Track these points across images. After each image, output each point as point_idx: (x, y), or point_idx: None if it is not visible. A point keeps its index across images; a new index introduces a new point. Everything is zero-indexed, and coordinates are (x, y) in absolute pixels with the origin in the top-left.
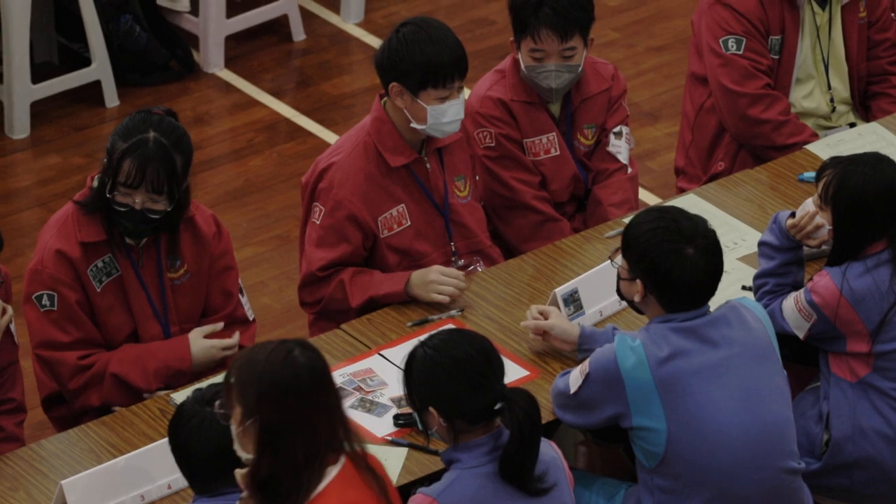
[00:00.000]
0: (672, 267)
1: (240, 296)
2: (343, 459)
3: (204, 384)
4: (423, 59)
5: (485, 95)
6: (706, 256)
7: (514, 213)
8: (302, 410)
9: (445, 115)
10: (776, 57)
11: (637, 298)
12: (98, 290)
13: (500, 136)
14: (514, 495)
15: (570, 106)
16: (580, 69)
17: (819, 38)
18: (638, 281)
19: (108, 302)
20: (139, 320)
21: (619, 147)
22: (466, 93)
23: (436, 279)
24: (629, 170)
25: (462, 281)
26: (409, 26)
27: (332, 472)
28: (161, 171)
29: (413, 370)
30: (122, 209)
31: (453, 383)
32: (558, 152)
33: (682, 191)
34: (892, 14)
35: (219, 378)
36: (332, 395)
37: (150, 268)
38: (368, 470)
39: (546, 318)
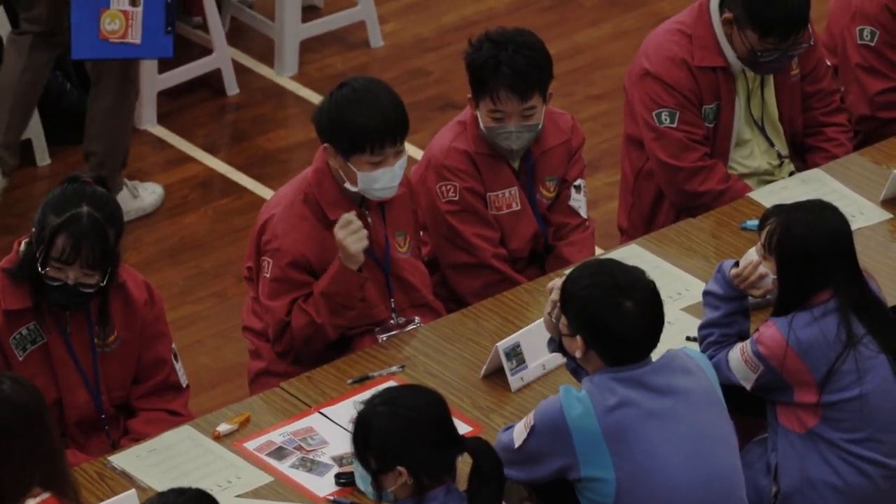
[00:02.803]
0: (611, 322)
1: (174, 361)
2: (46, 494)
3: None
4: (353, 125)
5: (450, 147)
6: (645, 309)
7: (472, 271)
8: (12, 444)
9: (377, 181)
10: (711, 125)
11: (578, 354)
12: (21, 360)
13: (465, 190)
14: None
15: (530, 159)
16: (539, 127)
17: (751, 101)
18: (578, 337)
19: (31, 370)
20: (65, 389)
21: (580, 201)
22: (412, 149)
23: (342, 236)
24: (587, 224)
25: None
26: (345, 88)
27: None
28: (96, 247)
29: (372, 430)
30: (54, 283)
31: (423, 436)
32: (519, 207)
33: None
34: (828, 63)
35: None
36: (46, 429)
37: (80, 335)
38: None
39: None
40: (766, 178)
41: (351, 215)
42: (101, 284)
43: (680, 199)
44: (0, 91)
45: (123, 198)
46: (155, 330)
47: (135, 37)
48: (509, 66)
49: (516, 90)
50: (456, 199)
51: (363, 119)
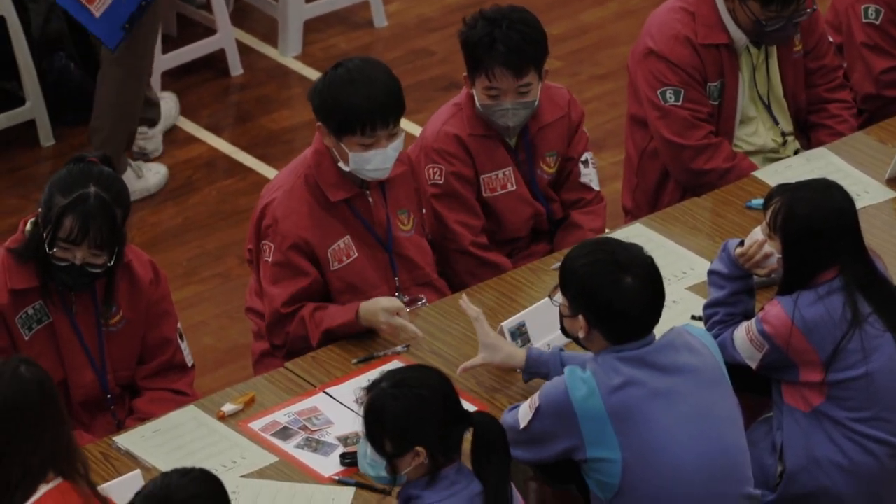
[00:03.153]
0: (612, 298)
1: (179, 341)
2: (59, 480)
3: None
4: (344, 106)
5: (441, 130)
6: (645, 284)
7: (452, 255)
8: (28, 426)
9: (369, 162)
10: (716, 102)
11: (581, 334)
12: (26, 339)
13: (450, 175)
14: None
15: (527, 135)
16: (535, 104)
17: (756, 77)
18: (580, 316)
19: (37, 350)
20: (70, 369)
21: (590, 175)
22: (416, 129)
23: (383, 319)
24: (601, 196)
25: (406, 322)
26: (340, 68)
27: (43, 490)
28: (104, 227)
29: (386, 412)
30: (62, 264)
31: (438, 413)
32: (514, 187)
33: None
34: (830, 39)
35: None
36: (59, 411)
37: (86, 315)
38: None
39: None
40: (771, 155)
41: (405, 323)
42: (109, 264)
43: (686, 178)
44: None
45: (128, 178)
46: (160, 309)
47: (97, 9)
48: (504, 42)
49: (511, 67)
50: (440, 182)
51: (355, 100)
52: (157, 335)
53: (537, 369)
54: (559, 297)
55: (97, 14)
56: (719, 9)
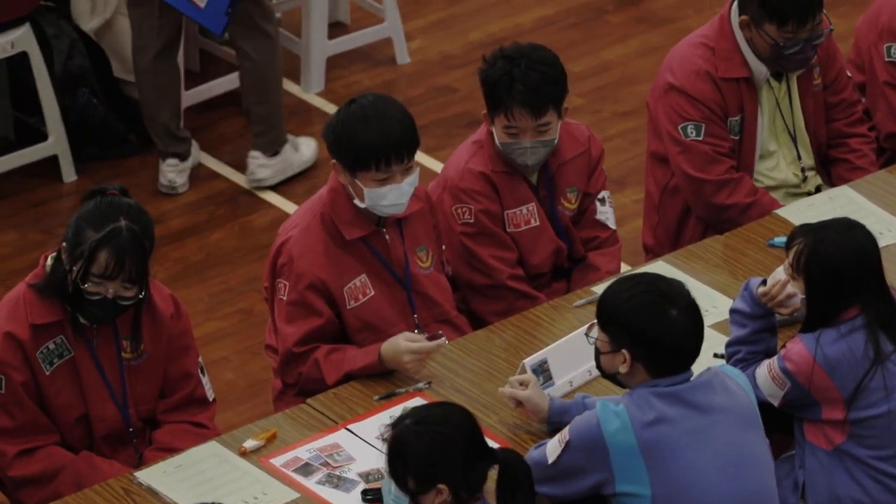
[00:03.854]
0: (661, 331)
1: (200, 375)
2: None
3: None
4: (358, 142)
5: (465, 168)
6: (690, 316)
7: (489, 291)
8: None
9: (384, 198)
10: (736, 137)
11: (623, 369)
12: (48, 374)
13: (480, 212)
14: None
15: (548, 172)
16: (555, 142)
17: (780, 110)
18: (623, 351)
19: (58, 385)
20: (92, 403)
21: (607, 213)
22: (439, 165)
23: (407, 360)
24: (616, 236)
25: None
26: (354, 105)
27: None
28: (137, 261)
29: (409, 449)
30: (94, 298)
31: (461, 451)
32: (538, 223)
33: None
34: (848, 74)
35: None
36: None
37: (107, 349)
38: None
39: (525, 388)
40: (792, 190)
41: (421, 341)
42: (140, 296)
43: (707, 213)
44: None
45: (287, 152)
46: (181, 343)
47: (201, 0)
48: (523, 82)
49: (530, 106)
50: (471, 221)
51: (368, 136)
52: (178, 369)
53: (560, 418)
54: (595, 332)
55: (201, 4)
56: (738, 42)
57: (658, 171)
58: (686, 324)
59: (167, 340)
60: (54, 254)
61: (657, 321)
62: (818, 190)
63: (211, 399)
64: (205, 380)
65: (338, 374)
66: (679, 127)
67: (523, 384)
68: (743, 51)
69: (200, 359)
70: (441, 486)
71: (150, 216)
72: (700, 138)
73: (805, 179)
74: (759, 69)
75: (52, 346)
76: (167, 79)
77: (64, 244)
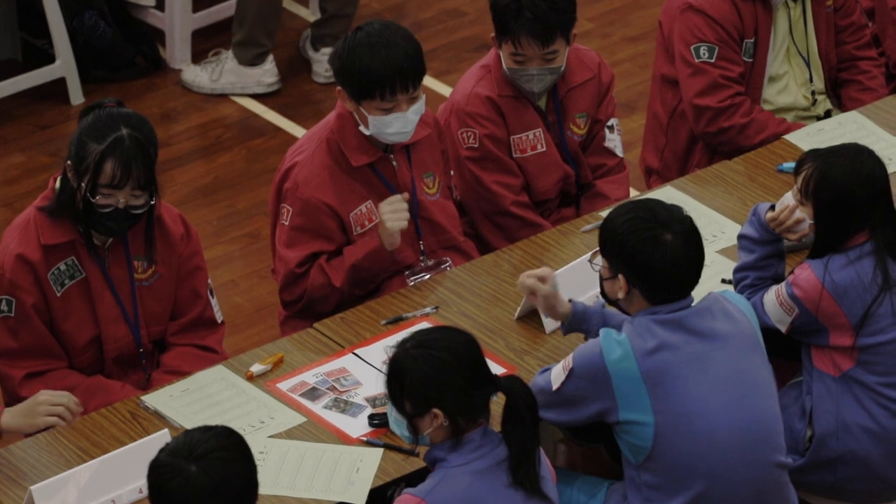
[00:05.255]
0: (652, 254)
1: (209, 297)
2: None
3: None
4: (362, 69)
5: (472, 92)
6: (685, 241)
7: (493, 217)
8: None
9: (389, 126)
10: (749, 60)
11: (621, 295)
12: (58, 295)
13: (484, 137)
14: (504, 491)
15: (557, 97)
16: (562, 69)
17: (793, 32)
18: (620, 276)
19: (70, 306)
20: (104, 322)
21: (615, 141)
22: (448, 90)
23: (384, 211)
24: (624, 164)
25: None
26: (360, 32)
27: None
28: (144, 167)
29: (406, 373)
30: (105, 210)
31: (458, 377)
32: (544, 148)
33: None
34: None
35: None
36: None
37: (119, 269)
38: None
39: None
40: (802, 113)
41: (400, 196)
42: (151, 203)
43: (706, 139)
44: None
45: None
46: (192, 264)
47: None
48: (531, 10)
49: (537, 35)
50: (476, 146)
51: (373, 64)
52: (188, 289)
53: (579, 325)
54: (599, 260)
55: None
56: None
57: (667, 94)
58: (681, 249)
59: (178, 261)
60: (61, 176)
61: (649, 245)
62: (828, 114)
63: (220, 321)
64: (214, 301)
65: (343, 270)
66: (692, 47)
67: (542, 279)
68: None
69: (210, 281)
70: (436, 410)
71: (151, 123)
72: (712, 61)
73: (815, 102)
74: None
75: (62, 266)
76: None
77: (69, 162)
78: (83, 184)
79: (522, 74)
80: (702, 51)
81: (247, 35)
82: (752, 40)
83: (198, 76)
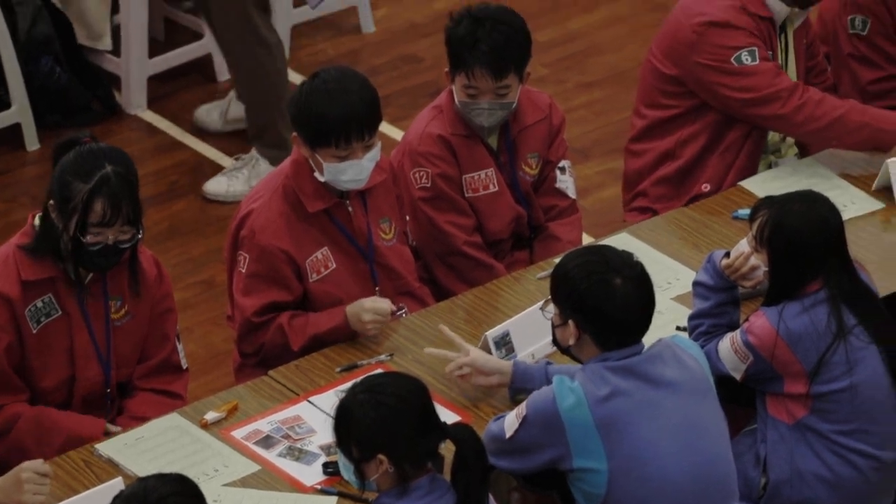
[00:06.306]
0: (603, 299)
1: (176, 342)
2: None
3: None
4: (317, 116)
5: (424, 132)
6: (636, 287)
7: (446, 258)
8: None
9: (344, 173)
10: None
11: (572, 341)
12: (34, 332)
13: (437, 176)
14: None
15: (509, 136)
16: (514, 105)
17: (786, 62)
18: (570, 322)
19: (43, 344)
20: (79, 359)
21: (567, 182)
22: (400, 135)
23: (368, 319)
24: (576, 205)
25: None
26: (317, 79)
27: None
28: (131, 203)
29: (353, 418)
30: (95, 248)
31: (404, 424)
32: (496, 188)
33: (643, 210)
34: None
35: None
36: None
37: (95, 307)
38: None
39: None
40: (771, 158)
41: (390, 309)
42: (139, 236)
43: (804, 115)
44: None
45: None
46: (164, 306)
47: None
48: (486, 42)
49: (491, 68)
50: (428, 185)
51: (329, 112)
52: (158, 331)
53: (523, 384)
54: (551, 307)
55: None
56: None
57: (670, 126)
58: (632, 294)
59: (150, 303)
60: (40, 213)
61: (598, 290)
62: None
63: (184, 367)
64: (180, 347)
65: (303, 337)
66: (732, 59)
67: (461, 352)
68: None
69: (178, 326)
70: (381, 456)
71: (128, 155)
72: (757, 63)
73: (784, 139)
74: (780, 8)
75: (39, 304)
76: None
77: (51, 202)
78: (71, 224)
79: (474, 108)
80: (743, 57)
81: (269, 135)
82: (770, 54)
83: (231, 186)
